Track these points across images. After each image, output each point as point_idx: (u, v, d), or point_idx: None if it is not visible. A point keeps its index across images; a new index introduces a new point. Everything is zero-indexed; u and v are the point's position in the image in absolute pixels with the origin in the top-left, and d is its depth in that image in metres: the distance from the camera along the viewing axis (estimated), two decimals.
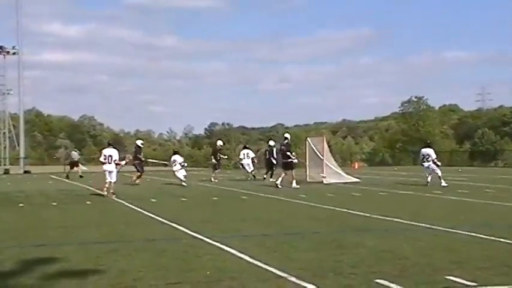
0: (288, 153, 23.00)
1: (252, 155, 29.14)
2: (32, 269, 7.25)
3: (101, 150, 21.04)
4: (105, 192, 19.11)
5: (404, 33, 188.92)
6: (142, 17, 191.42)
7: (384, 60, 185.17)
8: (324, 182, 24.01)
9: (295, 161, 23.62)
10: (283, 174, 22.86)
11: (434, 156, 22.65)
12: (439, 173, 22.40)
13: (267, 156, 28.07)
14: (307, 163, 25.76)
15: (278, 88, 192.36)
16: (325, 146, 25.66)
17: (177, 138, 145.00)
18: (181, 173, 24.47)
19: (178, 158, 25.01)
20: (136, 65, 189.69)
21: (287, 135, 24.40)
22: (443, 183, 21.82)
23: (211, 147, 28.74)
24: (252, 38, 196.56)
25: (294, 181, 22.42)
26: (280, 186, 21.97)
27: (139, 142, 27.03)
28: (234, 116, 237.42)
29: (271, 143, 29.07)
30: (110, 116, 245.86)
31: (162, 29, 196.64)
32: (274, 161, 27.55)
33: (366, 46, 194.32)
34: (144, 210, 14.48)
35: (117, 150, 20.32)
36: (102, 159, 19.66)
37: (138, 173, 25.86)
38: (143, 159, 26.45)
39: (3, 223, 12.38)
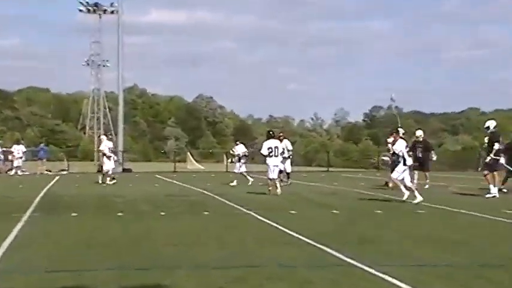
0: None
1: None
2: None
3: (263, 142, 24.28)
4: (279, 191, 22.82)
5: None
6: None
7: None
8: None
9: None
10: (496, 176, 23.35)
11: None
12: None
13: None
14: None
15: (469, 57, 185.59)
16: None
17: (325, 127, 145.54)
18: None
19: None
20: (271, 27, 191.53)
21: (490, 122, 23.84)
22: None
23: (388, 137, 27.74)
24: None
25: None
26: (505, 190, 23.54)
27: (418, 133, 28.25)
28: (406, 97, 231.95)
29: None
30: (234, 97, 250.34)
31: None
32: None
33: None
34: (280, 225, 14.68)
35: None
36: (265, 151, 22.70)
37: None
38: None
39: (101, 235, 13.14)
